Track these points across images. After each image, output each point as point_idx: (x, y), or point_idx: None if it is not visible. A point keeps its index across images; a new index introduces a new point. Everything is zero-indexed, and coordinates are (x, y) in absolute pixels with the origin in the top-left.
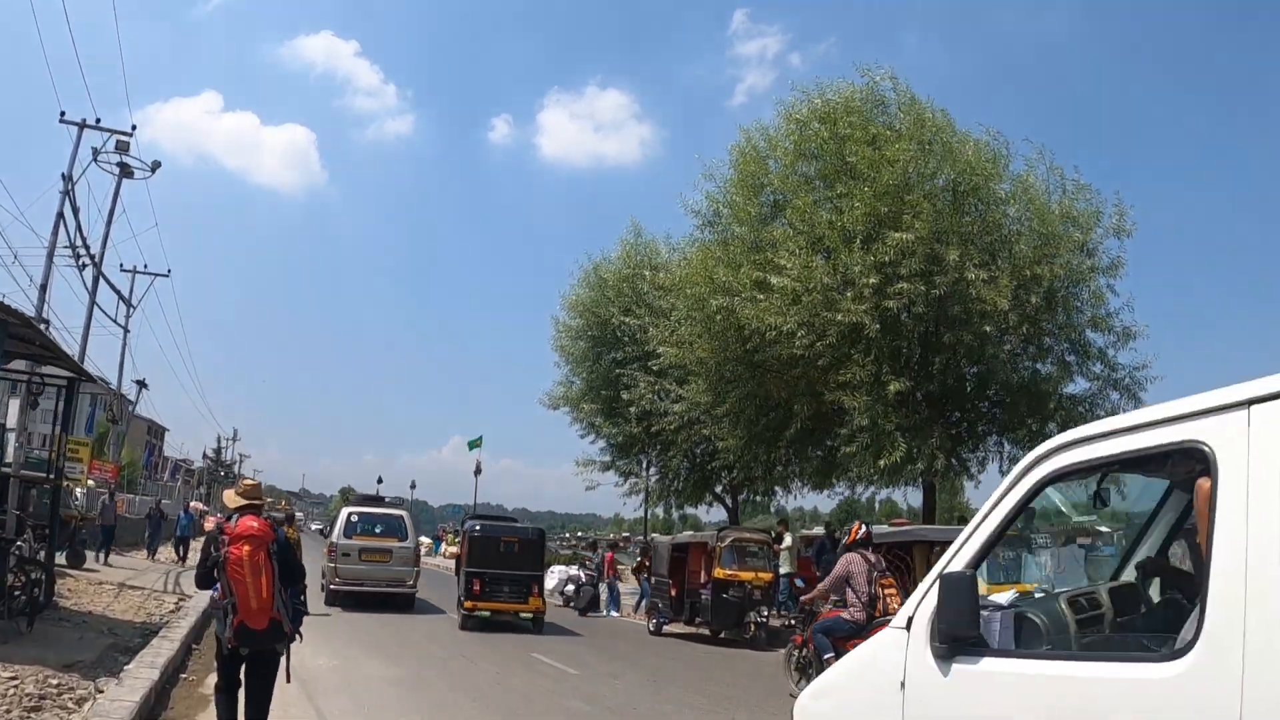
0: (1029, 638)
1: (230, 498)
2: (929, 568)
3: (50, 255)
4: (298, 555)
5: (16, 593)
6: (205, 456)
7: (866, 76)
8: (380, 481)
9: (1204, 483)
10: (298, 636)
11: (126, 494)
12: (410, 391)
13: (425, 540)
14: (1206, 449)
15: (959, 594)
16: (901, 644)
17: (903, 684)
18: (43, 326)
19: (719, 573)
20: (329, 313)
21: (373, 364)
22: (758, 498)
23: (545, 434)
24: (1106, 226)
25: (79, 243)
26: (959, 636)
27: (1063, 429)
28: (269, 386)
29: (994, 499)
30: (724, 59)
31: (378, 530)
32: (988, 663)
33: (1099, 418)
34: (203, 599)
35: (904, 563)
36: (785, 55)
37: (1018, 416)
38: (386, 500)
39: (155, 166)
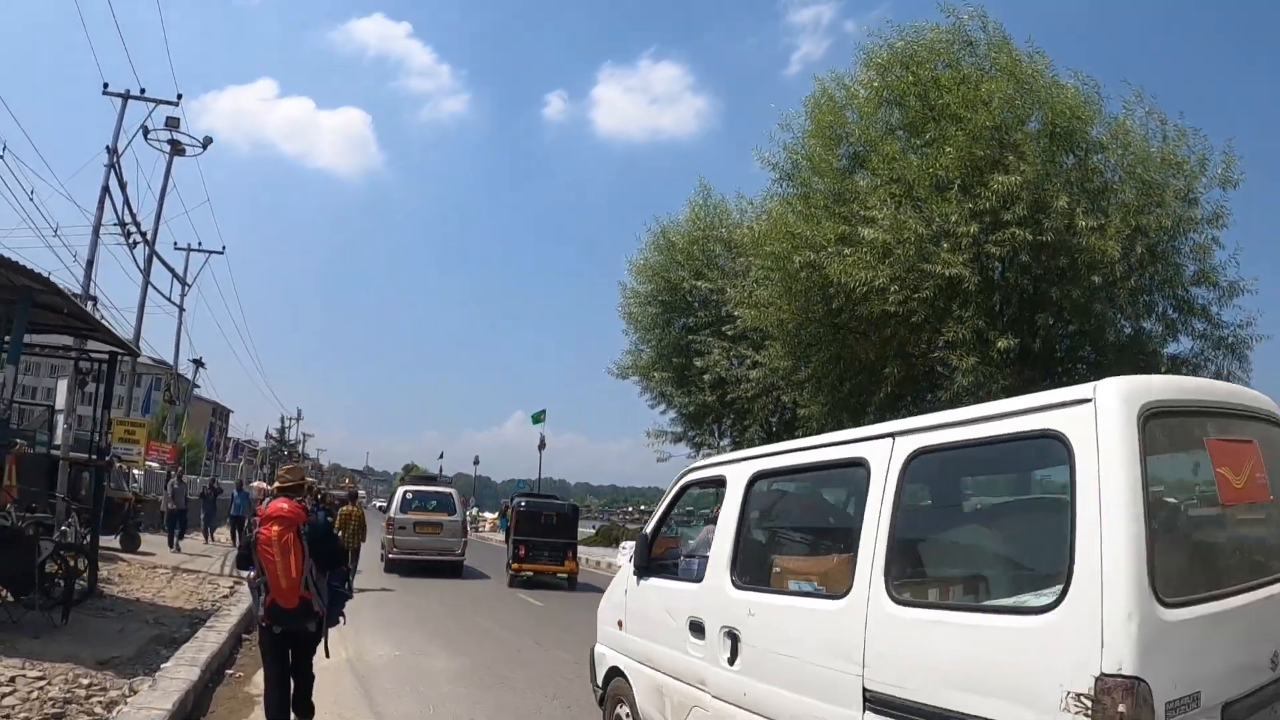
0: (678, 572)
1: (259, 488)
2: None
3: (96, 230)
4: (339, 540)
5: (57, 580)
6: (269, 436)
7: (952, 16)
8: (441, 458)
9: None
10: (340, 619)
11: (188, 475)
12: (471, 369)
13: (489, 516)
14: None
15: (641, 546)
16: (629, 570)
17: (626, 590)
18: (89, 304)
19: None
20: (390, 293)
21: (434, 342)
22: None
23: (606, 409)
24: (1212, 175)
25: (128, 219)
26: (640, 567)
27: None
28: (331, 366)
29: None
30: (777, 28)
31: (430, 506)
32: (650, 580)
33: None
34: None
35: None
36: (839, 23)
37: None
38: (438, 479)
39: (206, 143)
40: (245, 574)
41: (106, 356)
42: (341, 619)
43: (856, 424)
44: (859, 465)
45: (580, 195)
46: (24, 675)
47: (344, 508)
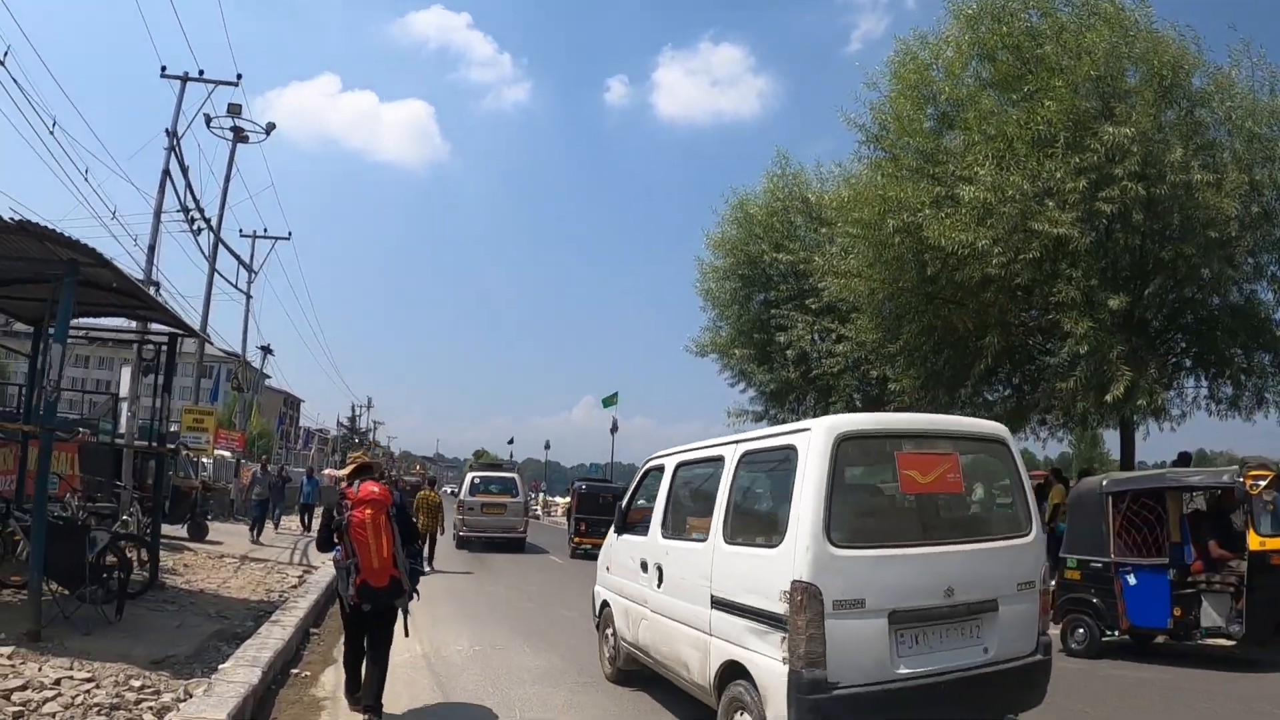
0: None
1: (331, 475)
2: (1181, 516)
3: (157, 215)
4: (415, 519)
5: (116, 572)
6: (340, 425)
7: None
8: (511, 443)
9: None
10: (415, 595)
11: (255, 463)
12: (540, 355)
13: (561, 501)
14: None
15: (618, 513)
16: (614, 529)
17: (610, 545)
18: (152, 289)
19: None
20: (457, 281)
21: (502, 330)
22: None
23: (675, 392)
24: None
25: (190, 204)
26: (617, 528)
27: (1277, 363)
28: (401, 355)
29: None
30: (836, 5)
31: (495, 489)
32: (625, 537)
33: None
34: (328, 571)
35: (1153, 512)
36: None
37: (1224, 347)
38: (503, 465)
39: (269, 129)
40: (331, 556)
41: (166, 340)
42: (415, 595)
43: (951, 398)
44: (720, 460)
45: (645, 179)
46: (71, 677)
47: (421, 492)
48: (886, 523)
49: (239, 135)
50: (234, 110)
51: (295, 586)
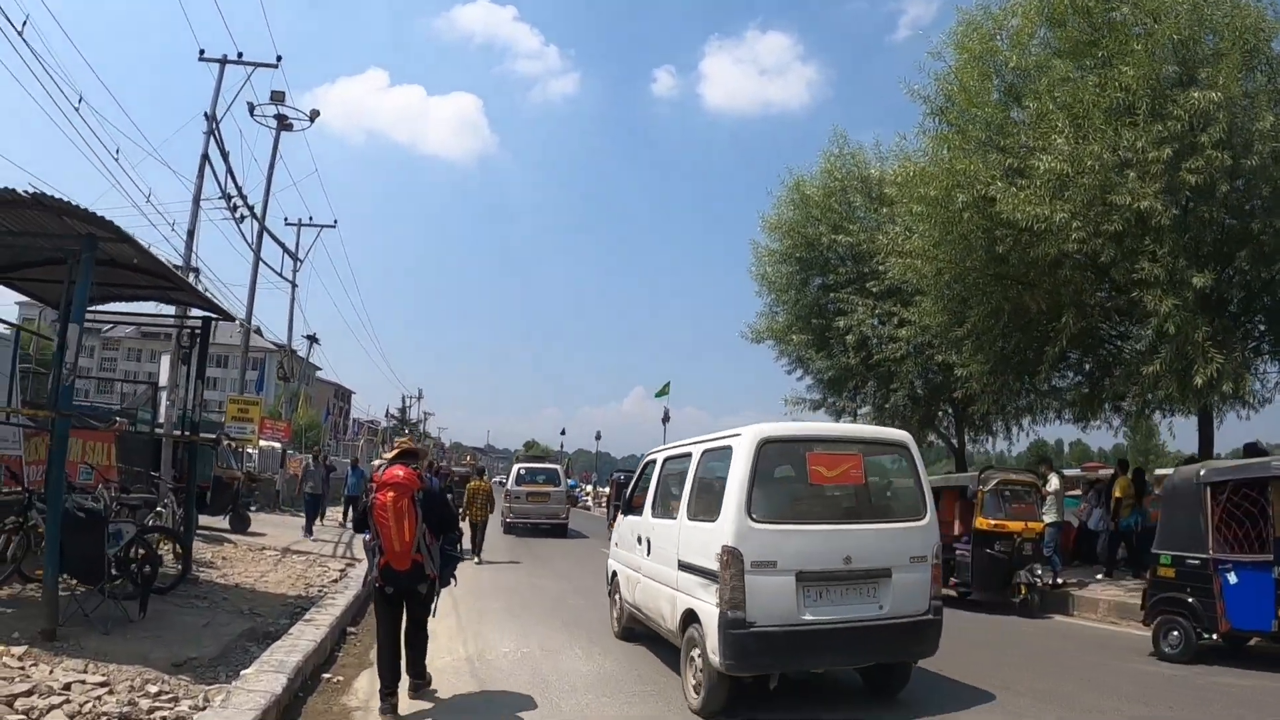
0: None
1: (388, 455)
2: None
3: (196, 200)
4: (452, 507)
5: (143, 566)
6: (389, 416)
7: None
8: (563, 434)
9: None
10: (452, 580)
11: (304, 453)
12: (590, 346)
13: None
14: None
15: (625, 498)
16: (621, 512)
17: (618, 524)
18: (191, 275)
19: (981, 523)
20: (507, 273)
21: (552, 320)
22: (989, 435)
23: (726, 383)
24: None
25: (232, 190)
26: (622, 510)
27: None
28: (451, 347)
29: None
30: None
31: (539, 479)
32: (628, 518)
33: None
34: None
35: (1256, 505)
36: None
37: None
38: (547, 456)
39: (313, 116)
40: (363, 537)
41: (199, 324)
42: (453, 580)
43: (1021, 384)
44: (689, 456)
45: (694, 170)
46: (83, 681)
47: (472, 482)
48: (797, 505)
49: (282, 123)
50: (277, 97)
51: (336, 581)
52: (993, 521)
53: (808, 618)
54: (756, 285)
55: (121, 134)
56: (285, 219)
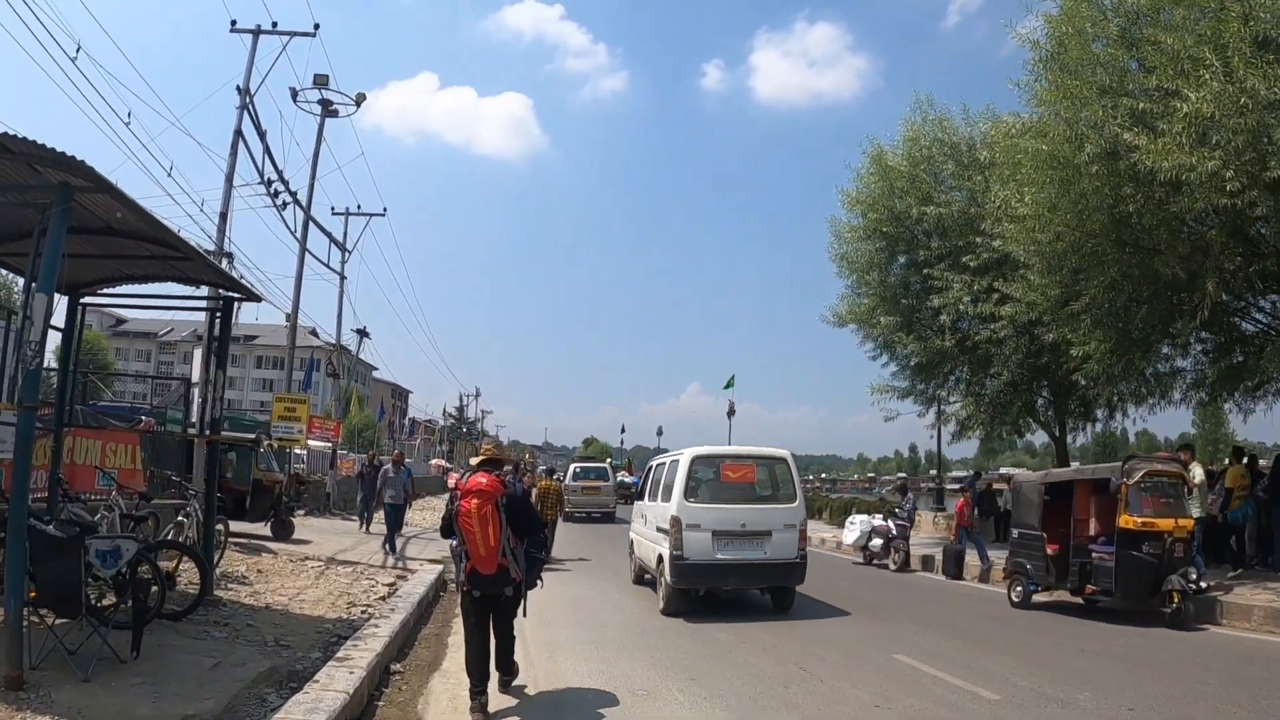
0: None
1: (473, 461)
2: None
3: (229, 179)
4: (536, 510)
5: (142, 592)
6: (447, 414)
7: None
8: (623, 431)
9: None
10: (538, 582)
11: (357, 453)
12: (646, 343)
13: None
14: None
15: (638, 490)
16: (635, 499)
17: (635, 506)
18: (224, 261)
19: (1127, 521)
20: (562, 272)
21: (609, 318)
22: (1089, 423)
23: (780, 379)
24: None
25: (271, 173)
26: (636, 496)
27: None
28: (508, 346)
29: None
30: None
31: (591, 476)
32: (639, 502)
33: None
34: (424, 577)
35: None
36: None
37: None
38: (594, 457)
39: (359, 100)
40: (450, 542)
41: (219, 305)
42: (539, 582)
43: (1146, 363)
44: (663, 465)
45: (747, 163)
46: None
47: (543, 482)
48: (714, 493)
49: (327, 107)
50: (320, 81)
51: (384, 598)
52: (1140, 520)
53: (719, 557)
54: (836, 266)
55: (136, 97)
56: (332, 208)
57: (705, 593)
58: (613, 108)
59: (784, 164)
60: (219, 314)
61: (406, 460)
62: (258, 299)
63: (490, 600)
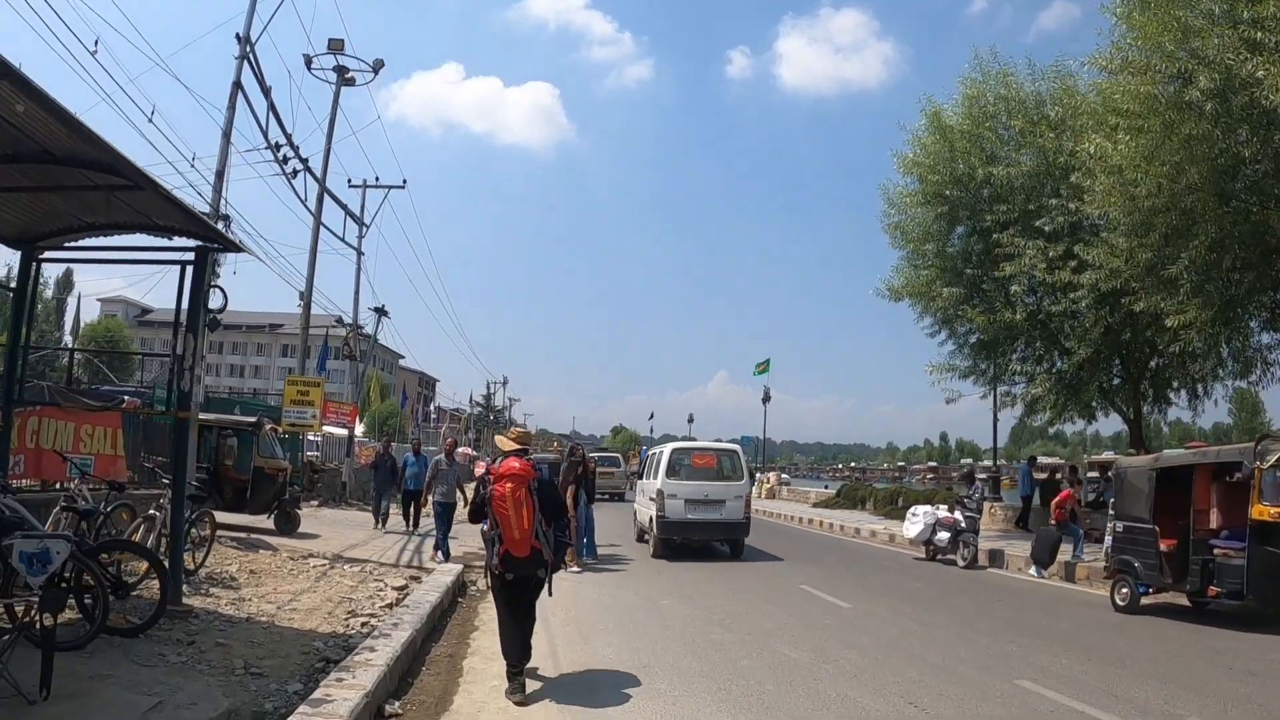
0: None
1: (502, 442)
2: None
3: (227, 135)
4: (561, 495)
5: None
6: (473, 402)
7: None
8: (651, 418)
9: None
10: (562, 565)
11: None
12: (672, 331)
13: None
14: (663, 450)
15: (638, 474)
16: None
17: (635, 483)
18: (221, 223)
19: (1262, 512)
20: (590, 260)
21: (632, 307)
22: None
23: (806, 368)
24: None
25: (276, 135)
26: (637, 476)
27: None
28: (535, 334)
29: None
30: None
31: (606, 464)
32: (641, 481)
33: None
34: (441, 579)
35: None
36: None
37: None
38: (608, 448)
39: (378, 66)
40: (481, 527)
41: (192, 254)
42: (564, 564)
43: (1250, 335)
44: (654, 454)
45: (774, 151)
46: None
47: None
48: (687, 473)
49: (343, 75)
50: (335, 46)
51: (391, 605)
52: (1277, 510)
53: (689, 517)
54: (889, 237)
55: (110, 27)
56: (349, 180)
57: (681, 543)
58: (639, 96)
59: (811, 151)
60: (191, 267)
61: (426, 448)
62: (236, 248)
63: (522, 582)
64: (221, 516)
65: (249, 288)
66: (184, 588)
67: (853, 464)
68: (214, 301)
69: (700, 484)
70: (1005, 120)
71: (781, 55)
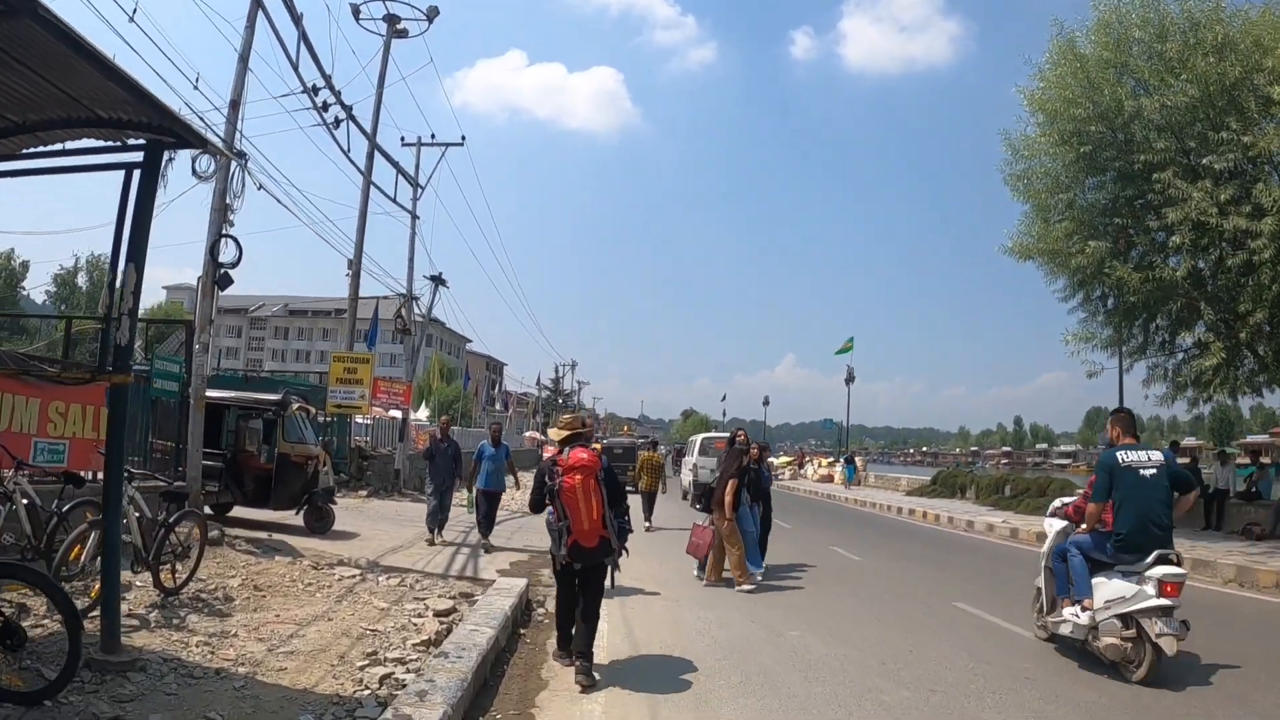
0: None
1: (555, 434)
2: None
3: (244, 59)
4: (619, 483)
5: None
6: (541, 385)
7: None
8: (724, 399)
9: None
10: (624, 551)
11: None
12: (740, 314)
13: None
14: (695, 440)
15: (679, 457)
16: (681, 456)
17: (678, 462)
18: (237, 163)
19: None
20: (656, 244)
21: (699, 291)
22: None
23: (872, 350)
24: None
25: (309, 71)
26: (679, 456)
27: None
28: (603, 318)
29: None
30: None
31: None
32: (686, 458)
33: None
34: (499, 601)
35: None
36: None
37: None
38: (655, 441)
39: (432, 14)
40: (548, 518)
41: (142, 149)
42: (625, 552)
43: None
44: (690, 442)
45: (839, 132)
46: None
47: (644, 454)
48: (710, 454)
49: (393, 25)
50: None
51: (427, 645)
52: None
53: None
54: (1011, 190)
55: None
56: (403, 138)
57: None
58: (703, 79)
59: (877, 132)
60: (138, 171)
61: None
62: (201, 145)
63: (590, 570)
64: (241, 513)
65: (314, 271)
66: (152, 615)
67: (924, 448)
68: (226, 255)
69: (716, 461)
70: (1156, 45)
71: (846, 35)
